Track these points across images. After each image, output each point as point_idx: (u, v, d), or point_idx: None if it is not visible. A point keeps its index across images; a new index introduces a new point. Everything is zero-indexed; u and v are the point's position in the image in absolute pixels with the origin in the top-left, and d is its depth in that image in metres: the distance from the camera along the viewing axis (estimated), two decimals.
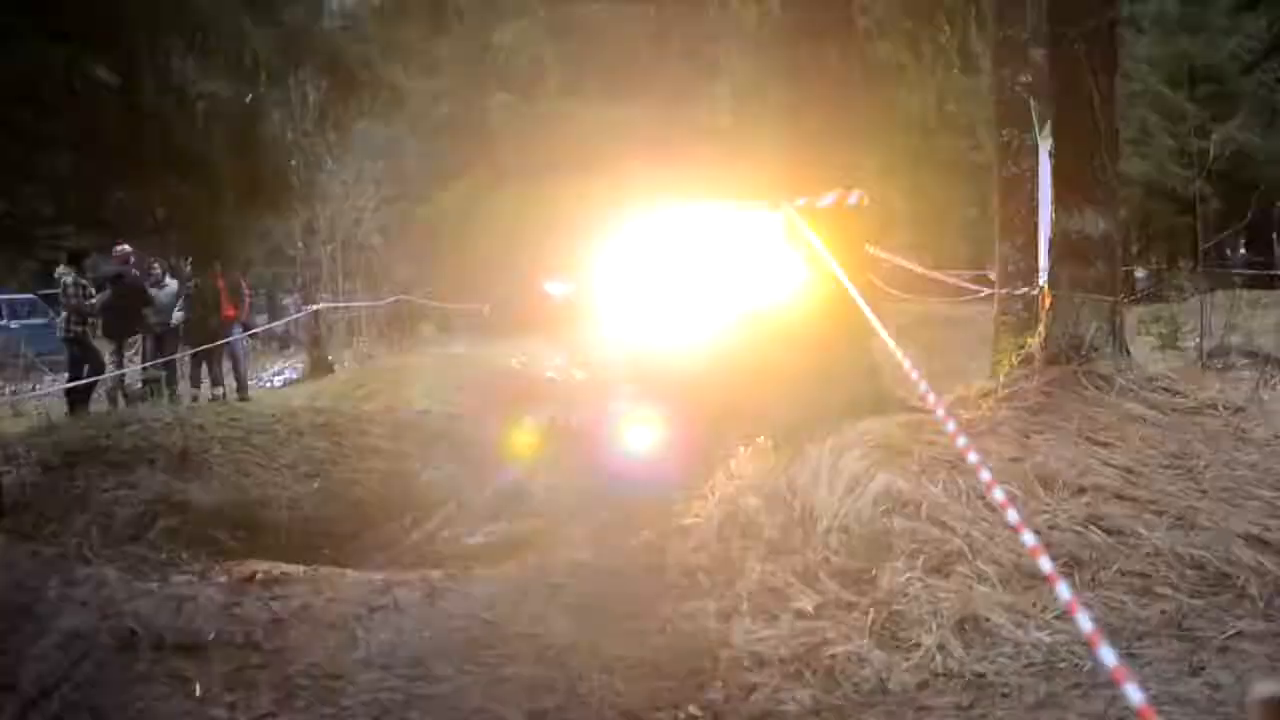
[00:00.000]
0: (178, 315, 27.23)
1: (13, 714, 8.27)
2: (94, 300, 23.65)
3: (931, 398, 8.21)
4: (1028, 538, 6.09)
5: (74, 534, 15.30)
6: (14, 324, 40.42)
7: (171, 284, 26.37)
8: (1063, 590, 5.84)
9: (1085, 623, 5.22)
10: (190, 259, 24.52)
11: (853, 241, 12.79)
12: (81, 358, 24.01)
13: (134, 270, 24.73)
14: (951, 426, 7.71)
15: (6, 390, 25.33)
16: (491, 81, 47.99)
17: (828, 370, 12.57)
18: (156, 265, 25.58)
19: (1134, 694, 4.66)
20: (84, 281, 23.30)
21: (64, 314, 24.08)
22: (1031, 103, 16.48)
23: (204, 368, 27.05)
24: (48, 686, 8.51)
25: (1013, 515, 6.34)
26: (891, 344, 9.50)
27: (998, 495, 6.90)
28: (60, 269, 23.77)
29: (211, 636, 8.91)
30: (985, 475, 7.00)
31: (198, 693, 8.39)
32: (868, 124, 14.66)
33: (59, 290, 24.00)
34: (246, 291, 28.02)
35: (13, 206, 16.76)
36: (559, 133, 46.51)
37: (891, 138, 33.73)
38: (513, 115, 46.43)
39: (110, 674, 8.61)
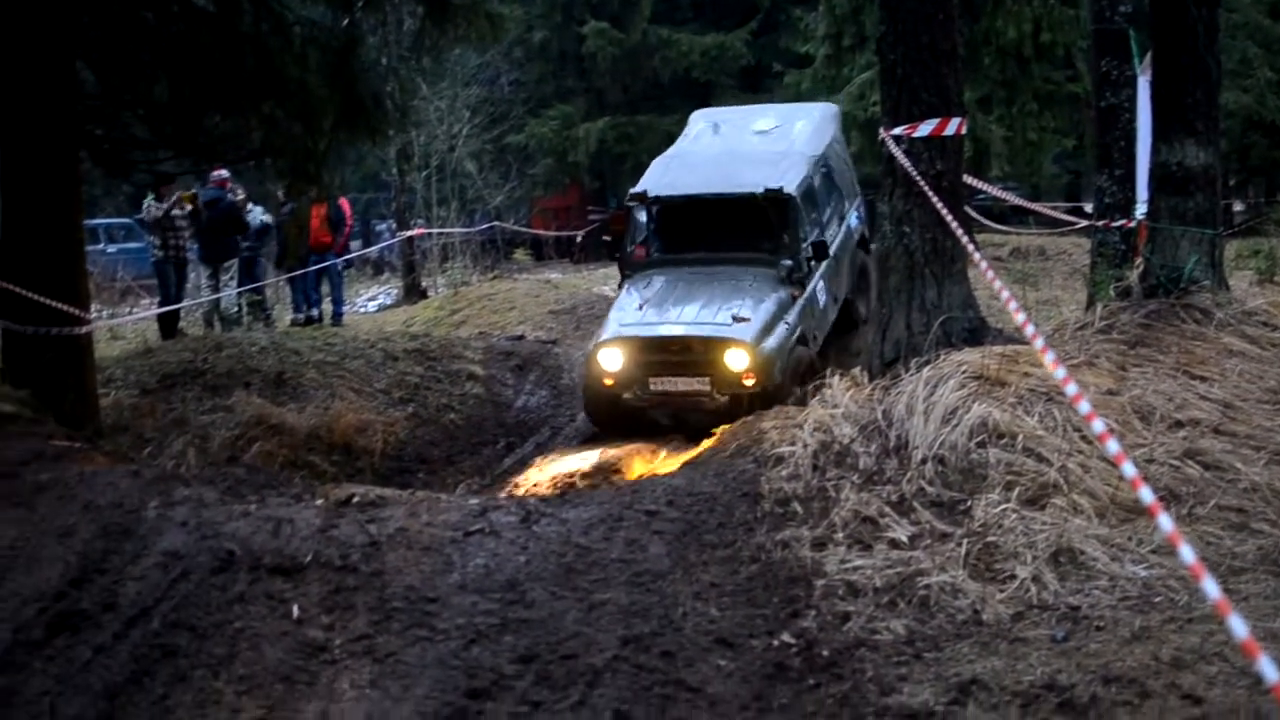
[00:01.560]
0: (268, 241, 27.44)
1: (113, 633, 8.37)
2: (184, 225, 23.85)
3: (1030, 328, 8.16)
4: (1128, 469, 6.04)
5: (171, 456, 15.45)
6: (111, 248, 40.77)
7: (255, 210, 26.53)
8: (1164, 523, 5.79)
9: (1188, 555, 5.19)
10: (287, 185, 24.62)
11: (949, 170, 12.71)
12: (174, 282, 24.23)
13: (231, 196, 24.89)
14: (1051, 358, 7.66)
15: (104, 314, 25.49)
16: (585, 8, 47.86)
17: (923, 300, 12.53)
18: (241, 191, 25.72)
19: (1238, 627, 4.63)
20: (171, 208, 23.48)
21: (156, 238, 24.27)
22: (1131, 33, 16.31)
23: (300, 293, 27.24)
24: (147, 606, 8.59)
25: (1113, 446, 6.29)
26: (990, 274, 9.45)
27: (1097, 427, 6.84)
28: (148, 200, 23.95)
29: (309, 559, 8.97)
30: (1085, 407, 6.95)
31: (295, 614, 8.46)
32: (965, 54, 14.38)
33: (146, 214, 24.20)
34: (347, 218, 28.14)
35: (110, 131, 16.86)
36: (652, 60, 46.39)
37: (988, 68, 33.46)
38: (606, 42, 46.30)
39: (208, 594, 8.68)
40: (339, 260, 27.93)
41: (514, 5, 41.98)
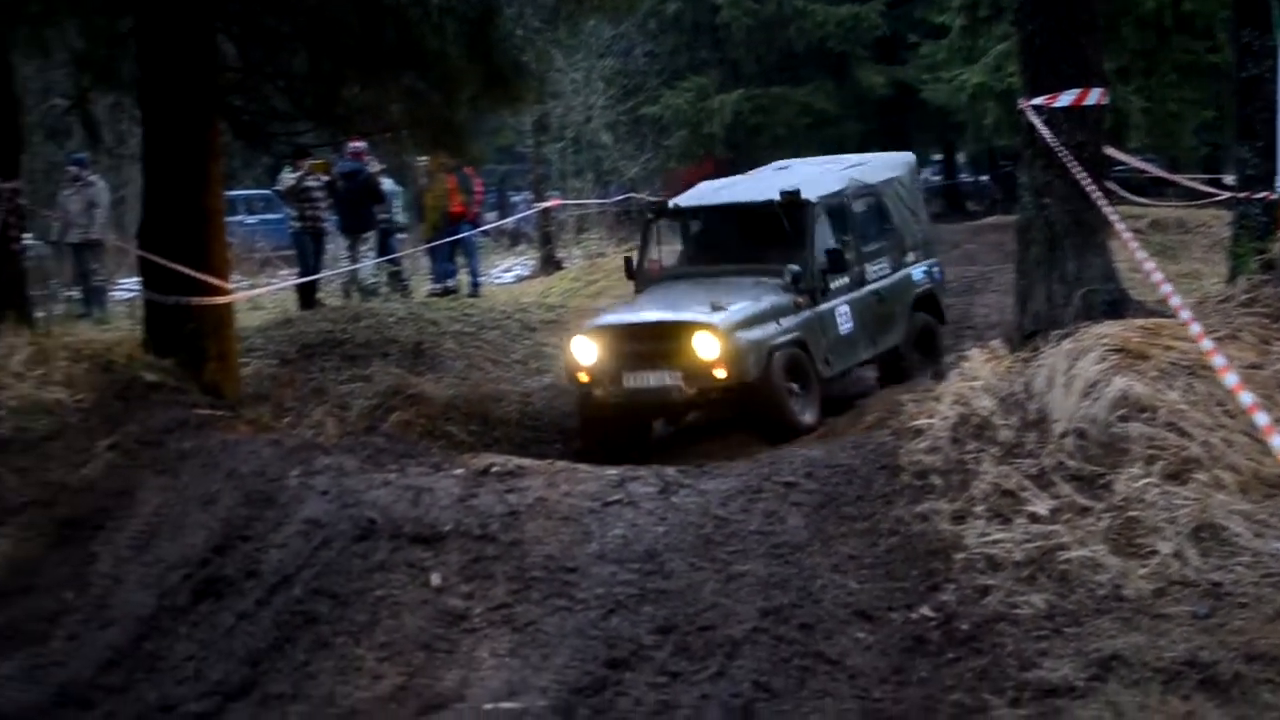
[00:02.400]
0: (404, 212, 27.63)
1: (256, 599, 8.49)
2: (319, 197, 24.09)
3: (1175, 300, 8.09)
4: (1276, 442, 5.98)
5: (311, 425, 15.62)
6: (250, 219, 41.20)
7: (386, 181, 26.72)
8: None
9: None
10: (424, 156, 24.77)
11: (1090, 141, 12.61)
12: (312, 252, 24.48)
13: (368, 168, 25.10)
14: (1197, 329, 7.59)
15: (244, 284, 25.80)
16: None
17: (1063, 272, 12.44)
18: (378, 163, 25.91)
19: None
20: (303, 178, 23.72)
21: (293, 210, 24.54)
22: (1273, 3, 16.09)
23: (437, 264, 27.41)
24: (289, 573, 8.71)
25: (1261, 419, 6.23)
26: (1133, 245, 9.37)
27: (1245, 399, 6.78)
28: (284, 172, 24.20)
29: (448, 527, 9.06)
30: (1231, 379, 6.89)
31: (435, 582, 8.55)
32: (1104, 24, 14.11)
33: (282, 187, 24.47)
34: (478, 188, 28.26)
35: (249, 103, 17.03)
36: (787, 31, 46.22)
37: (1127, 38, 33.08)
38: (741, 13, 46.14)
39: (349, 562, 8.79)
40: (474, 231, 28.05)
41: None
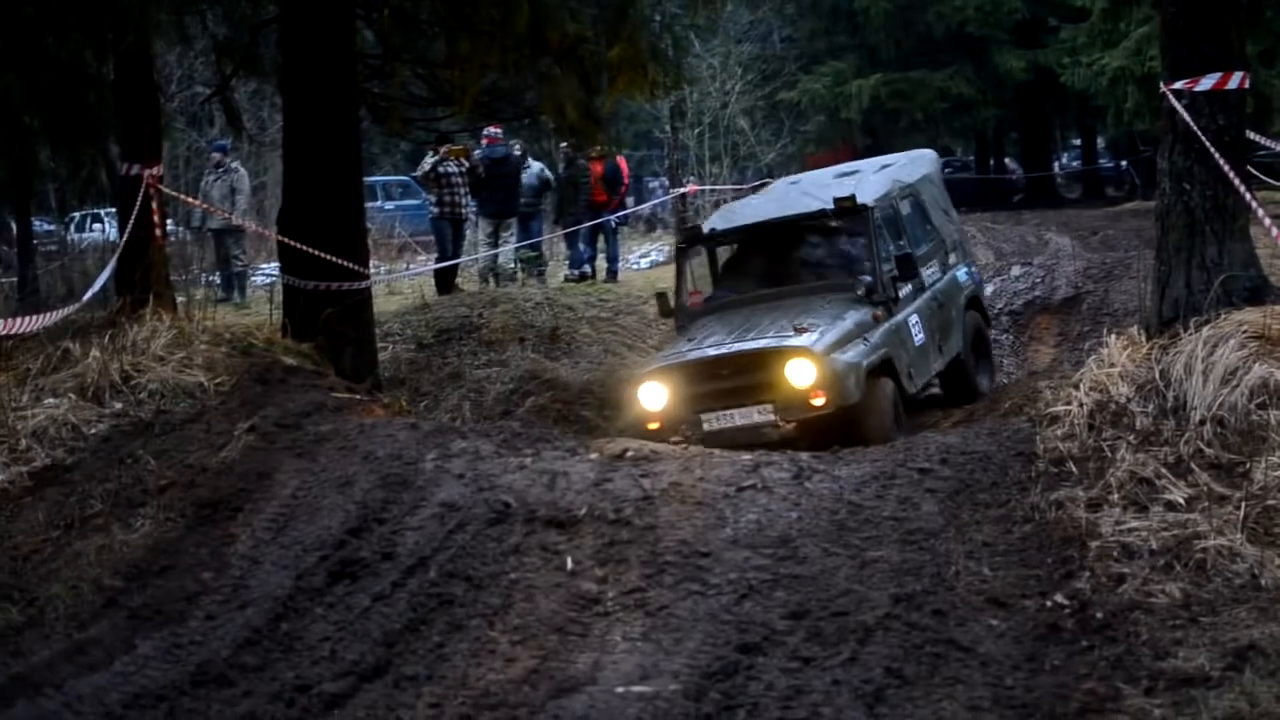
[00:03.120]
0: (547, 197, 27.73)
1: (391, 581, 8.56)
2: (459, 183, 24.20)
3: None
4: None
5: (447, 409, 15.73)
6: (388, 205, 41.53)
7: (534, 166, 26.82)
8: None
9: None
10: (566, 142, 24.88)
11: (1231, 126, 12.46)
12: (450, 238, 24.61)
13: (511, 153, 25.23)
14: None
15: (382, 270, 26.02)
16: None
17: (1203, 258, 12.31)
18: (518, 148, 26.04)
19: None
20: (437, 164, 23.82)
21: (433, 195, 24.68)
22: None
23: (573, 249, 27.50)
24: (424, 556, 8.78)
25: None
26: (1275, 231, 9.26)
27: None
28: (426, 157, 24.35)
29: (583, 512, 9.10)
30: None
31: (569, 566, 8.59)
32: (1246, 7, 13.81)
33: (422, 173, 24.61)
34: (624, 176, 28.31)
35: (388, 89, 17.18)
36: (926, 15, 45.95)
37: (1270, 21, 32.63)
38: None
39: (484, 545, 8.84)
40: (613, 217, 28.11)
41: None
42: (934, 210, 17.52)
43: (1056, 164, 59.07)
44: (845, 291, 14.93)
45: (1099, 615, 7.49)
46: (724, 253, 17.06)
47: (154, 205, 14.09)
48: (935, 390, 16.88)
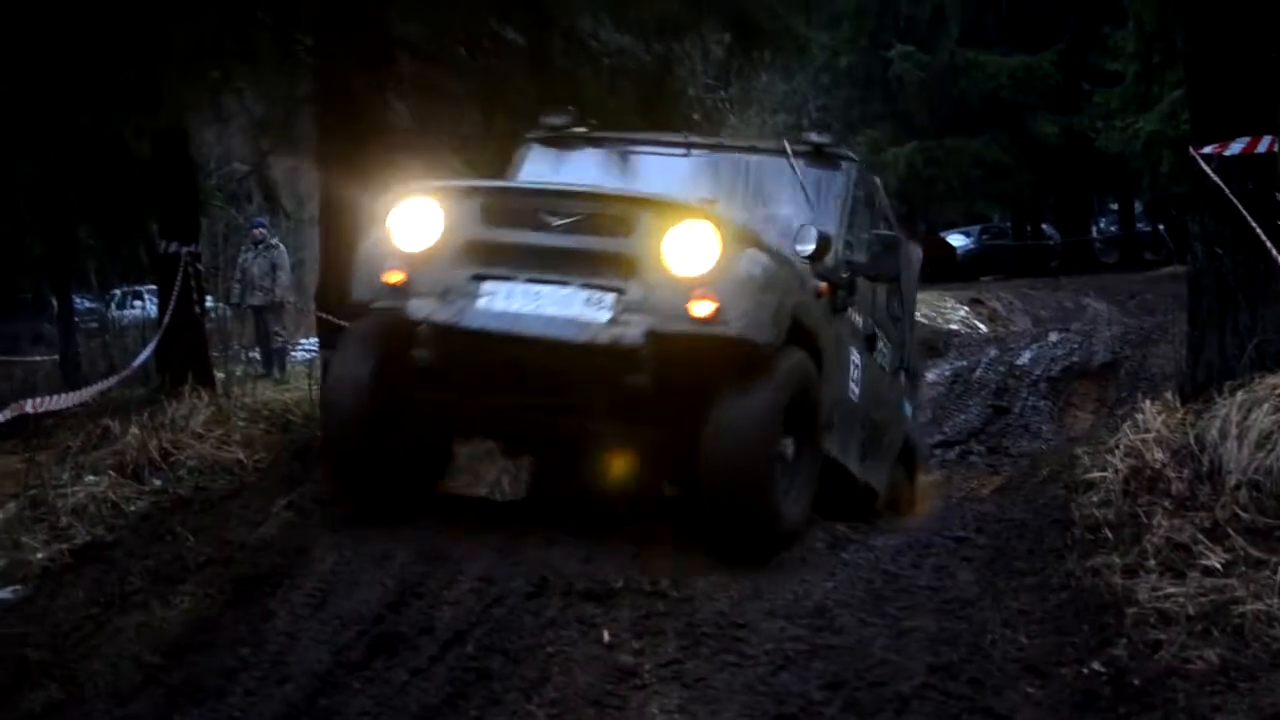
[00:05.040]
0: None
1: (429, 655, 8.57)
2: None
3: None
4: None
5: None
6: None
7: None
8: None
9: None
10: None
11: (1261, 190, 12.48)
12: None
13: None
14: None
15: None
16: (891, 31, 47.66)
17: (1236, 323, 12.31)
18: None
19: None
20: None
21: None
22: None
23: None
24: (462, 629, 8.79)
25: None
26: None
27: None
28: None
29: (619, 584, 9.11)
30: None
31: (605, 639, 8.60)
32: (1275, 71, 13.84)
33: None
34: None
35: (424, 163, 17.32)
36: (960, 83, 46.09)
37: None
38: (913, 65, 46.12)
39: (521, 619, 8.86)
40: None
41: (820, 31, 42.09)
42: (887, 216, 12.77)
43: (1094, 229, 59.09)
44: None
45: (1136, 682, 7.47)
46: (603, 167, 11.50)
47: (192, 282, 14.21)
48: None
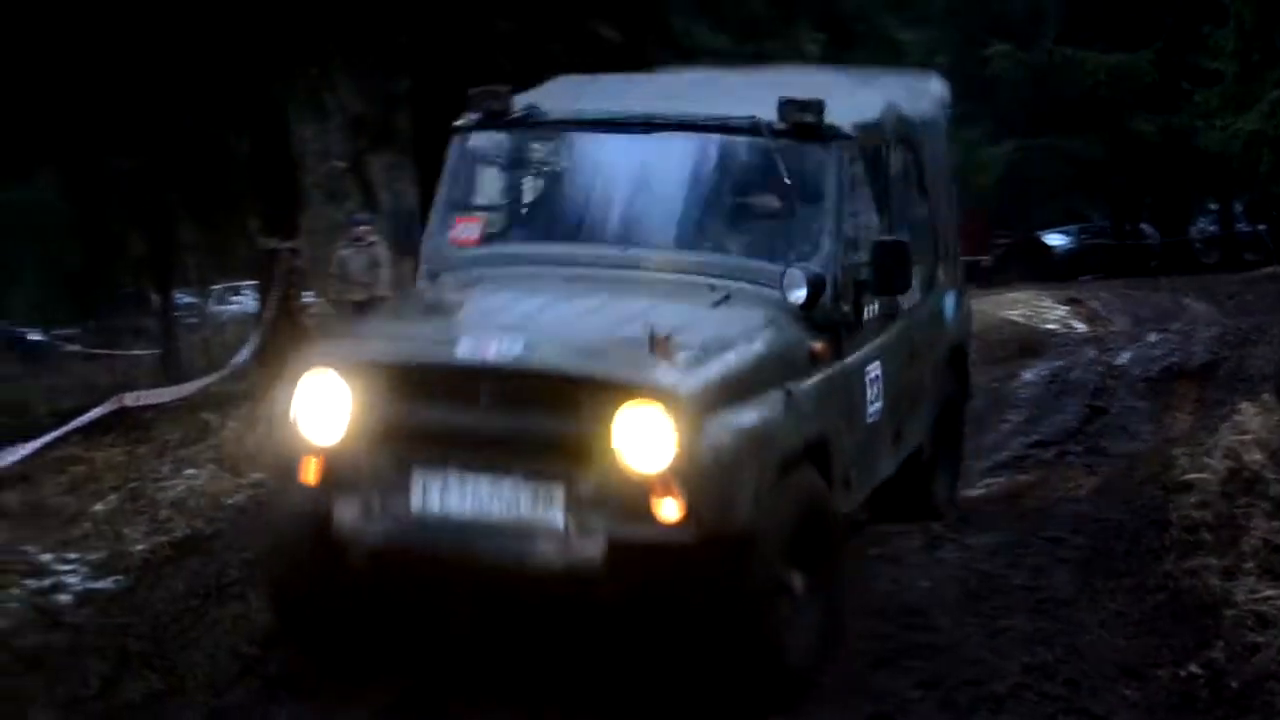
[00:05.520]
0: None
1: None
2: None
3: None
4: None
5: None
6: None
7: None
8: None
9: None
10: None
11: None
12: None
13: None
14: None
15: None
16: (989, 30, 47.45)
17: None
18: None
19: None
20: None
21: None
22: None
23: None
24: None
25: None
26: None
27: None
28: None
29: None
30: None
31: None
32: None
33: None
34: None
35: None
36: (1058, 81, 45.82)
37: None
38: (1011, 64, 45.90)
39: None
40: None
41: (916, 29, 41.98)
42: (935, 179, 10.84)
43: (1193, 229, 58.59)
44: (763, 283, 8.24)
45: (1233, 685, 7.42)
46: (542, 159, 10.04)
47: (292, 278, 14.33)
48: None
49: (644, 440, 6.98)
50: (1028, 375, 20.01)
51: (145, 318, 34.57)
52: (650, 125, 9.01)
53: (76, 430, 15.48)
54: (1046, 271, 42.16)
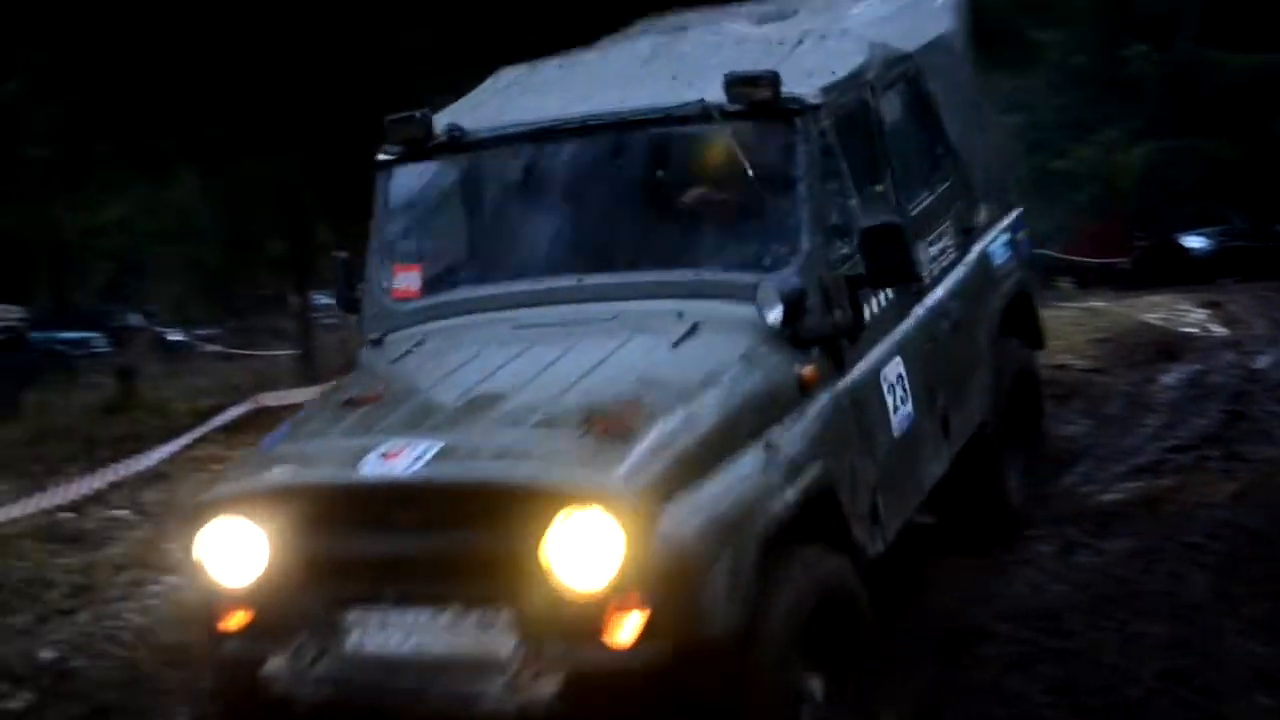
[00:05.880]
0: None
1: None
2: None
3: None
4: None
5: None
6: None
7: None
8: None
9: None
10: None
11: None
12: None
13: None
14: None
15: None
16: (1128, 31, 47.06)
17: None
18: None
19: None
20: None
21: None
22: None
23: None
24: None
25: None
26: None
27: None
28: None
29: None
30: None
31: None
32: None
33: None
34: None
35: None
36: (1199, 82, 45.36)
37: None
38: (1150, 65, 45.52)
39: None
40: None
41: (1053, 30, 41.73)
42: (954, 107, 9.47)
43: None
44: (738, 299, 7.02)
45: None
46: (476, 184, 8.55)
47: None
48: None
49: (585, 550, 5.75)
50: (1166, 379, 19.77)
51: (283, 318, 34.98)
52: (586, 129, 7.79)
53: (216, 429, 15.72)
54: (1184, 274, 41.70)
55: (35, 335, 36.90)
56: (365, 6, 16.07)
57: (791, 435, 6.53)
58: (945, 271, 8.75)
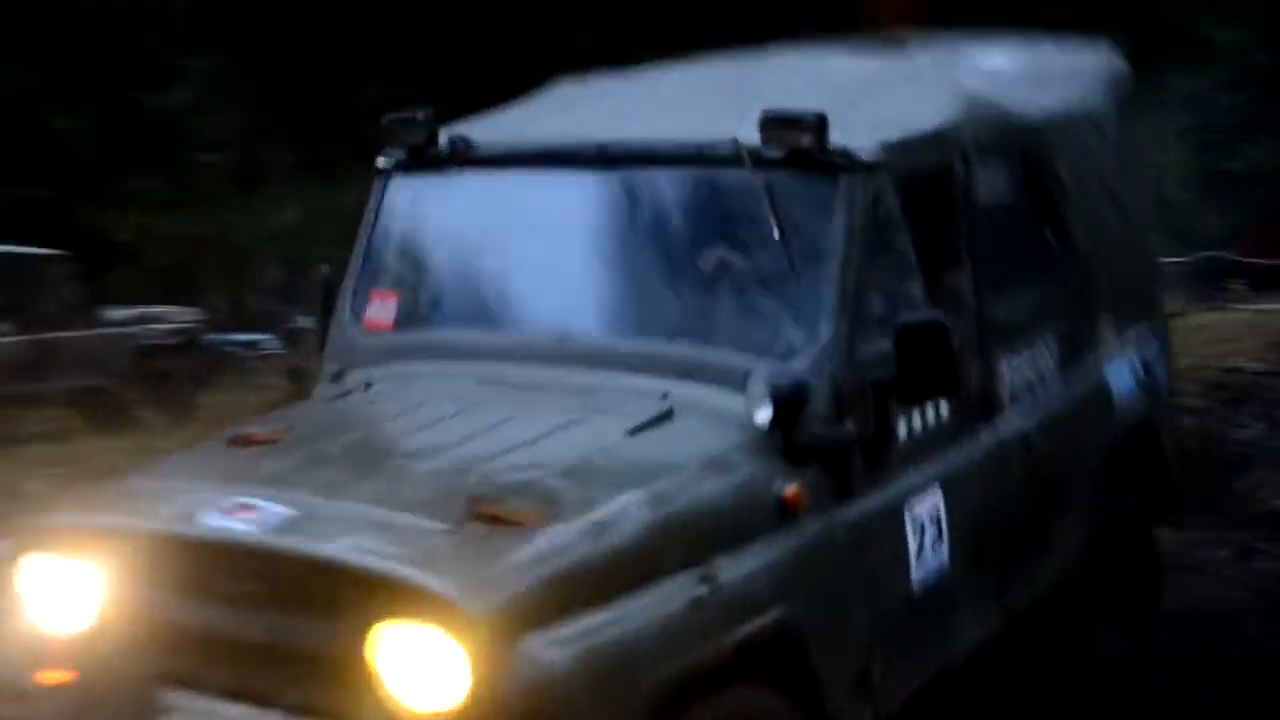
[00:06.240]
0: None
1: None
2: None
3: None
4: None
5: None
6: None
7: None
8: None
9: None
10: None
11: None
12: None
13: None
14: None
15: None
16: None
17: None
18: None
19: None
20: None
21: None
22: None
23: None
24: None
25: None
26: None
27: None
28: None
29: None
30: None
31: None
32: None
33: None
34: None
35: None
36: None
37: None
38: None
39: None
40: None
41: (1227, 29, 41.29)
42: (1083, 196, 7.64)
43: None
44: (726, 389, 5.48)
45: None
46: (471, 208, 6.82)
47: None
48: None
49: (422, 666, 4.43)
50: None
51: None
52: (601, 158, 6.26)
53: None
54: None
55: (210, 337, 37.48)
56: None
57: (745, 568, 5.01)
58: (1033, 392, 6.90)
